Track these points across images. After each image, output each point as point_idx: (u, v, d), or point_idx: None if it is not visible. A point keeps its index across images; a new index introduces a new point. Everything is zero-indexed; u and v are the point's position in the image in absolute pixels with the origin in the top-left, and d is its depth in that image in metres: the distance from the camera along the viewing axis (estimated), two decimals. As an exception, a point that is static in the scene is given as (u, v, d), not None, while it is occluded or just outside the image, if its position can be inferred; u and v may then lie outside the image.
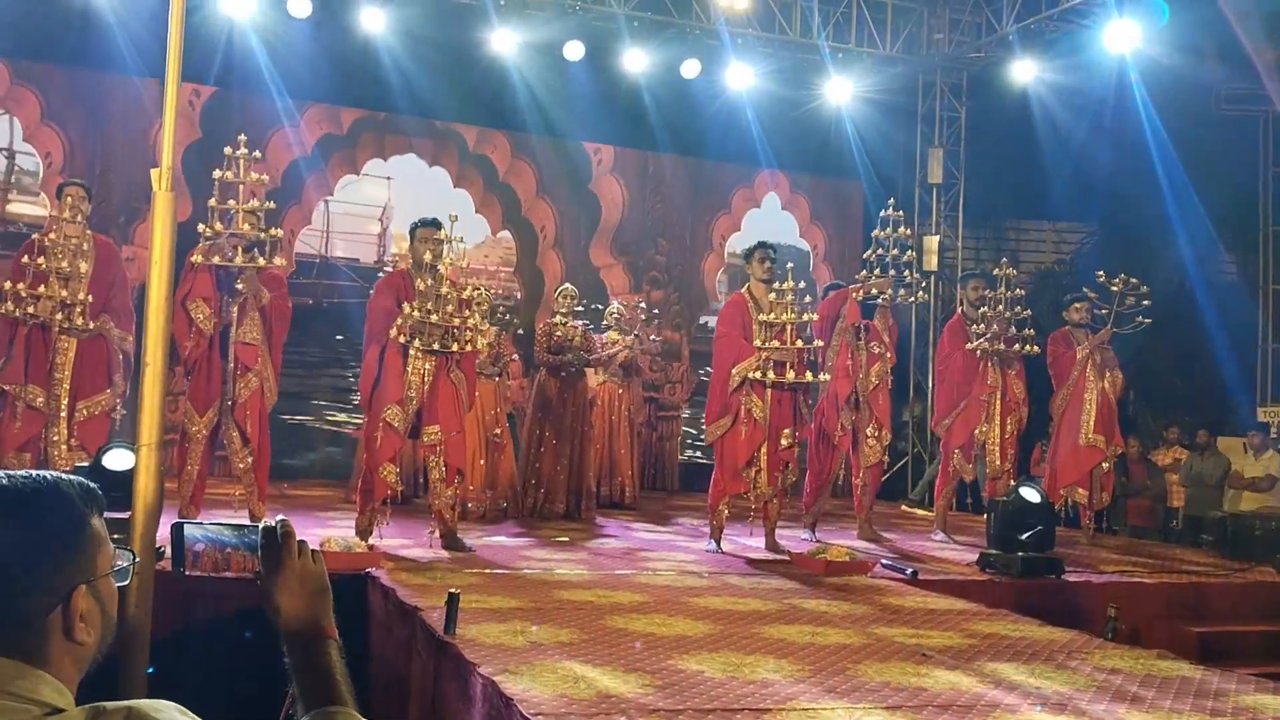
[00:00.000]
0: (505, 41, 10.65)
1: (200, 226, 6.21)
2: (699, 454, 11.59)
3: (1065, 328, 8.21)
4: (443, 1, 10.45)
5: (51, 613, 1.23)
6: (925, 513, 9.68)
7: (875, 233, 8.16)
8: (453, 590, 4.07)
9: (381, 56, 10.41)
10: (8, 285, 6.19)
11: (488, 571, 5.68)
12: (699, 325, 12.27)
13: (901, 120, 12.44)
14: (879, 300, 7.87)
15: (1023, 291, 8.12)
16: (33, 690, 1.20)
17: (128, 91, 9.98)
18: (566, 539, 7.21)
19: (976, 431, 7.99)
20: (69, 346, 6.28)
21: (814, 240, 13.03)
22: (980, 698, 3.57)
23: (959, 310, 8.47)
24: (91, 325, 6.29)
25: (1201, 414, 11.47)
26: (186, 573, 1.66)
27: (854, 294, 7.81)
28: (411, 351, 6.20)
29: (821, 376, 7.09)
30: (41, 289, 6.14)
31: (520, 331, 10.02)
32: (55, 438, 6.25)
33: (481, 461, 7.99)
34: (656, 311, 10.93)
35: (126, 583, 1.37)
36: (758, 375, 6.75)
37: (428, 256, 6.25)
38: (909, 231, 8.27)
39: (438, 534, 6.38)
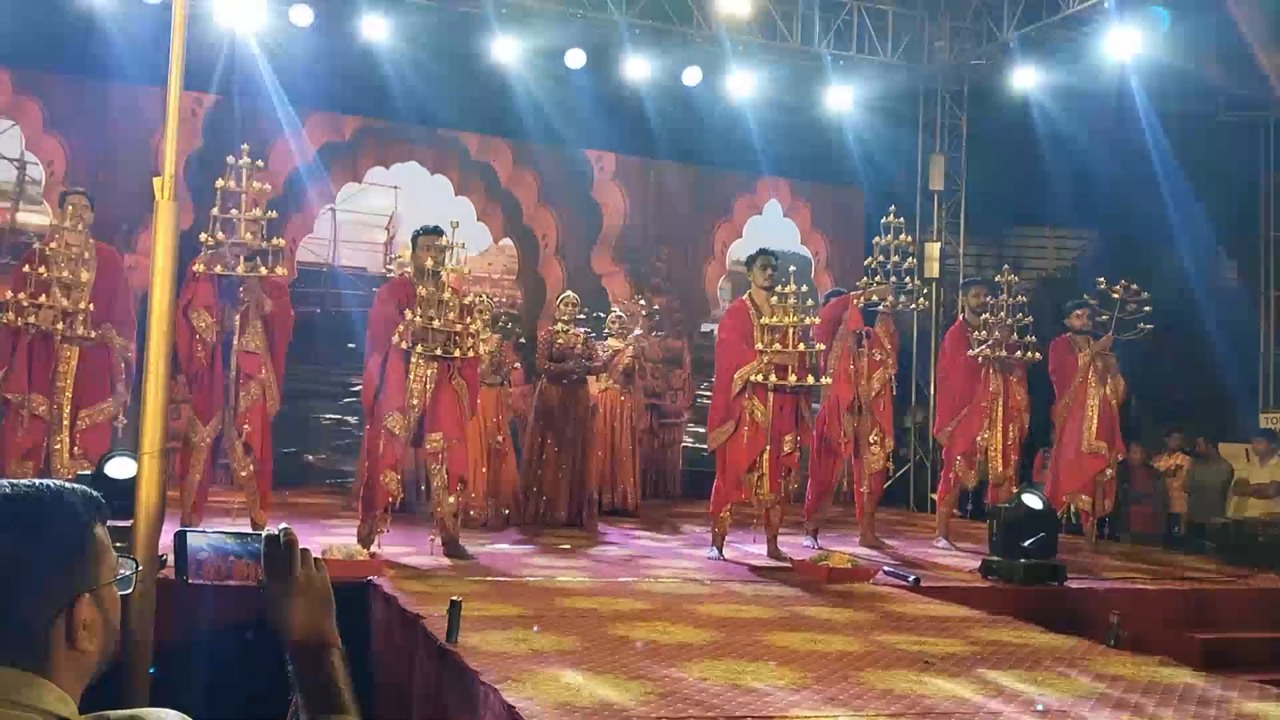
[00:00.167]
0: (507, 49, 10.67)
1: (202, 236, 6.22)
2: (702, 464, 11.59)
3: (1067, 334, 8.20)
4: (444, 9, 10.48)
5: (55, 621, 1.24)
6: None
7: (876, 240, 8.17)
8: (455, 598, 4.07)
9: (383, 64, 10.43)
10: (9, 295, 6.20)
11: (490, 579, 5.68)
12: (700, 333, 12.27)
13: (903, 127, 12.45)
14: (880, 307, 7.87)
15: (1024, 299, 8.12)
16: (36, 699, 1.21)
17: (130, 100, 9.99)
18: (568, 546, 7.21)
19: (978, 438, 7.98)
20: (71, 355, 6.28)
21: (816, 247, 13.03)
22: (983, 705, 3.57)
23: (960, 317, 8.47)
24: (93, 334, 6.29)
25: (1203, 420, 11.45)
26: (190, 581, 1.66)
27: (855, 300, 7.82)
28: (414, 359, 6.21)
29: (824, 380, 7.09)
30: (43, 298, 6.14)
31: (522, 340, 10.02)
32: (58, 446, 6.24)
33: (484, 469, 7.99)
34: (657, 308, 10.89)
35: (129, 591, 1.37)
36: (759, 378, 6.76)
37: (430, 263, 6.26)
38: (910, 238, 8.28)
39: (440, 542, 6.38)
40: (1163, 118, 11.09)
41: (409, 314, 6.13)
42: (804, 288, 7.12)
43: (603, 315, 10.50)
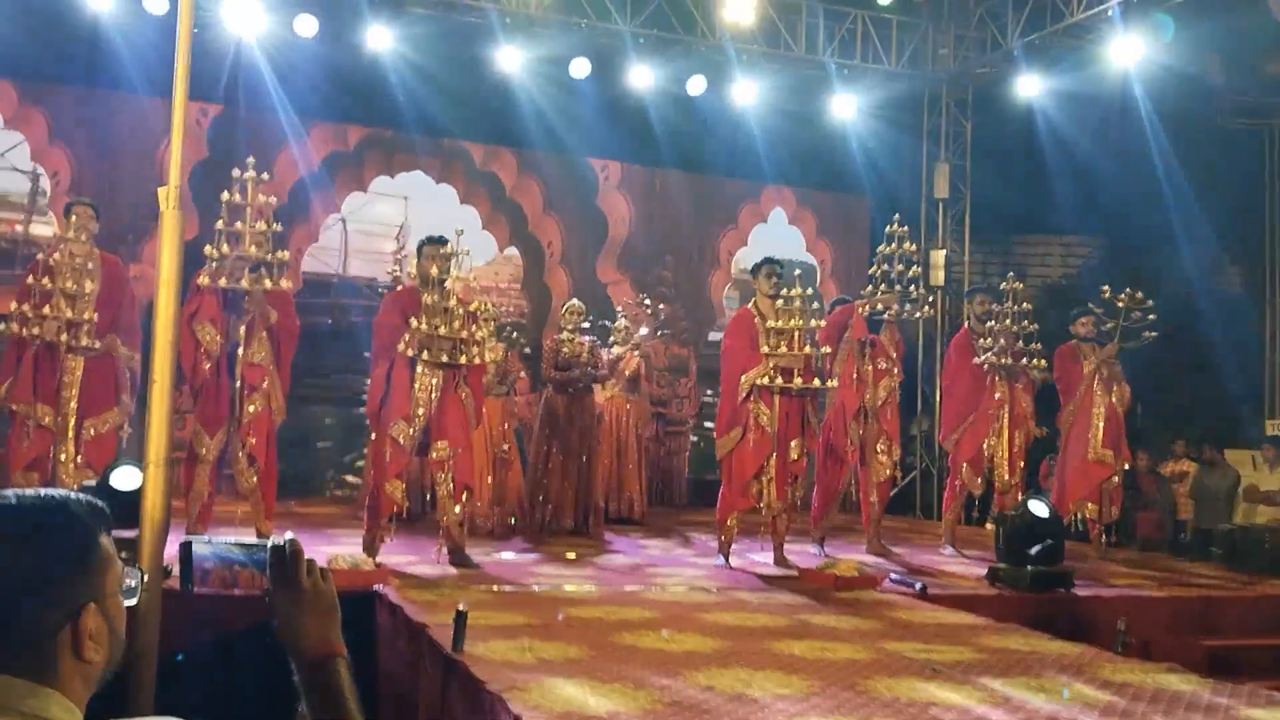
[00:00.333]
0: (511, 59, 10.70)
1: (207, 249, 6.22)
2: (708, 472, 11.58)
3: (1072, 342, 8.19)
4: (449, 19, 10.51)
5: (61, 631, 1.24)
6: None
7: (881, 249, 8.17)
8: (461, 607, 4.06)
9: (388, 74, 10.47)
10: (14, 306, 6.22)
11: (495, 588, 5.67)
12: (706, 341, 12.27)
13: (907, 135, 12.46)
14: (885, 316, 7.86)
15: (1029, 306, 8.11)
16: (42, 709, 1.21)
17: (135, 111, 10.03)
18: (574, 555, 7.20)
19: (984, 445, 7.97)
20: (76, 366, 6.29)
21: (821, 255, 13.04)
22: (990, 713, 3.55)
23: (966, 325, 8.46)
24: (98, 344, 6.30)
25: (1208, 426, 11.43)
26: (195, 590, 1.66)
27: (860, 309, 7.82)
28: (419, 367, 6.21)
29: (830, 383, 7.09)
30: (47, 309, 6.15)
31: (528, 350, 10.03)
32: (63, 457, 6.25)
33: (489, 478, 7.99)
34: (663, 306, 10.86)
35: (135, 601, 1.37)
36: (765, 381, 6.76)
37: (434, 271, 6.28)
38: (914, 247, 8.28)
39: (446, 550, 6.38)
40: (1167, 125, 11.09)
41: (414, 322, 6.14)
42: (809, 290, 7.13)
43: (608, 324, 10.51)
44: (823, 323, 7.15)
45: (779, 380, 6.77)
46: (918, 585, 6.16)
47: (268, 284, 6.26)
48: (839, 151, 12.18)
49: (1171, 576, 7.36)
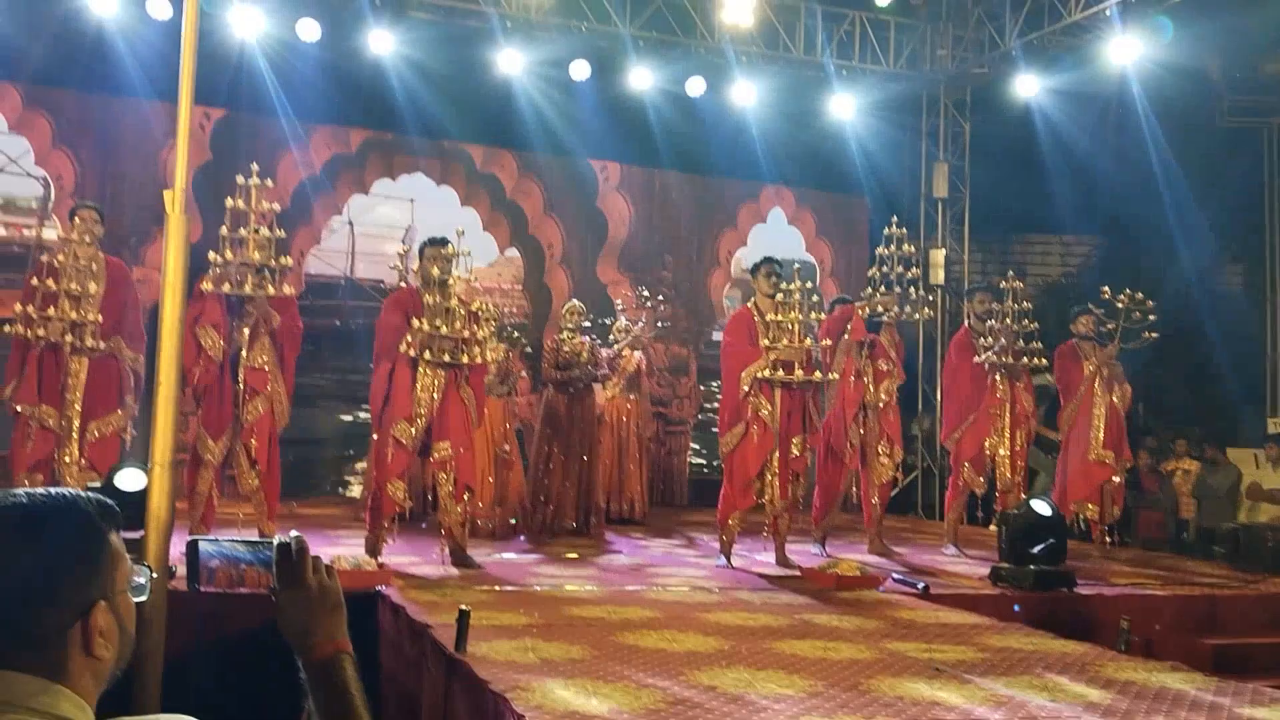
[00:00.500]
0: (512, 61, 10.72)
1: (211, 255, 6.23)
2: (708, 472, 11.59)
3: (1072, 340, 8.19)
4: (450, 23, 10.53)
5: (71, 629, 1.25)
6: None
7: (880, 250, 8.17)
8: (463, 607, 4.07)
9: (389, 78, 10.49)
10: (18, 307, 6.23)
11: (497, 588, 5.68)
12: (706, 341, 12.28)
13: (906, 135, 12.49)
14: (885, 318, 7.87)
15: (1029, 305, 8.12)
16: (53, 705, 1.22)
17: (138, 115, 10.05)
18: (575, 555, 7.21)
19: (986, 444, 7.98)
20: (80, 368, 6.29)
21: (820, 255, 13.05)
22: (993, 713, 3.56)
23: (966, 324, 8.47)
24: (102, 345, 6.31)
25: (1209, 425, 11.44)
26: (201, 589, 1.67)
27: (859, 311, 7.83)
28: (421, 368, 6.23)
29: (831, 375, 7.13)
30: (51, 310, 6.17)
31: (528, 349, 10.05)
32: (67, 459, 6.25)
33: (490, 478, 8.00)
34: (662, 298, 10.87)
35: (145, 599, 1.38)
36: (766, 374, 6.77)
37: (436, 272, 6.30)
38: (913, 249, 8.28)
39: (447, 551, 6.39)
40: (1166, 124, 11.10)
41: (416, 322, 6.16)
42: (809, 284, 7.15)
43: (608, 322, 10.52)
44: (823, 316, 7.17)
45: (780, 373, 6.79)
46: (920, 585, 6.17)
47: (270, 290, 6.27)
48: (838, 152, 12.20)
49: (1175, 575, 7.36)
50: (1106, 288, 7.96)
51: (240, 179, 6.37)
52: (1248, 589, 6.93)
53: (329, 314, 10.86)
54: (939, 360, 11.40)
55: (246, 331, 6.31)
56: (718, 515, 7.11)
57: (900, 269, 8.00)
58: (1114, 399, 8.02)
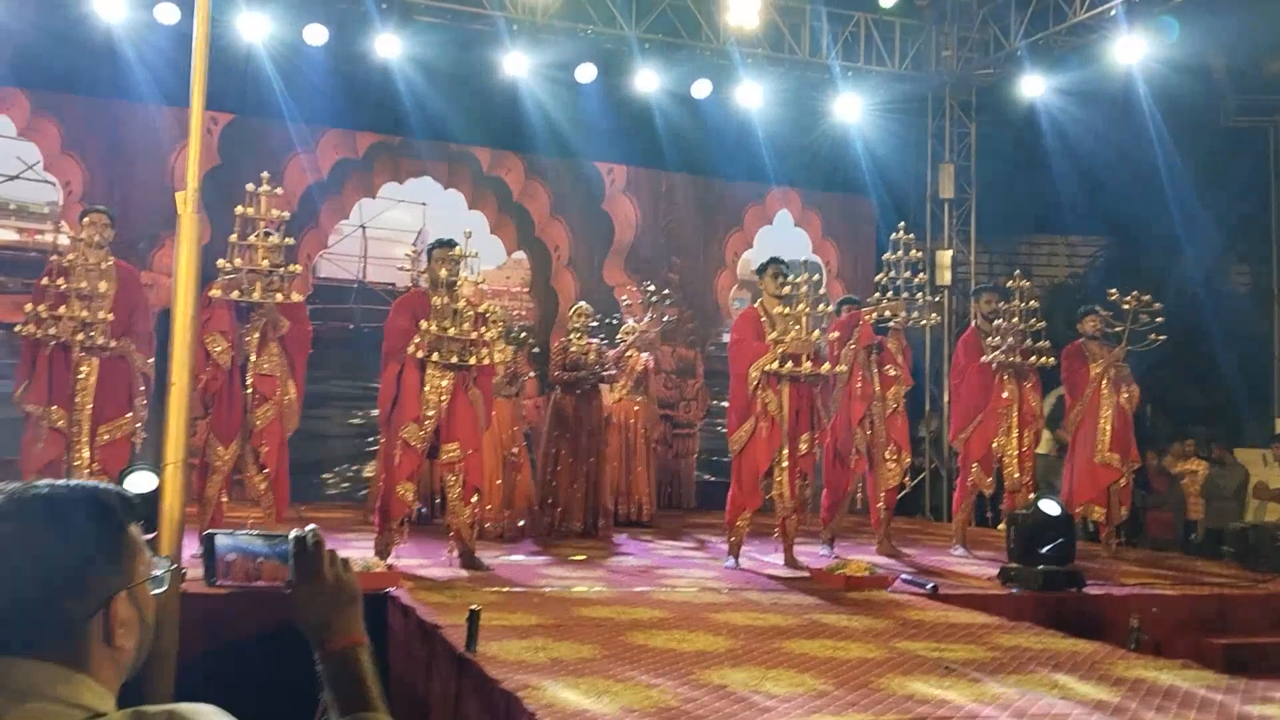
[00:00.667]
0: (518, 65, 10.74)
1: (220, 262, 6.25)
2: (716, 474, 11.58)
3: (1079, 341, 8.18)
4: (456, 27, 10.56)
5: (93, 619, 1.26)
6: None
7: (886, 256, 8.17)
8: (474, 607, 4.08)
9: (396, 81, 10.52)
10: (29, 307, 6.26)
11: (506, 590, 5.69)
12: (713, 343, 12.29)
13: (912, 136, 12.49)
14: (892, 323, 7.87)
15: (1036, 304, 8.11)
16: (75, 695, 1.23)
17: (146, 120, 10.08)
18: (584, 557, 7.22)
19: (994, 444, 7.97)
20: (90, 369, 6.32)
21: (827, 256, 13.04)
22: (1004, 710, 3.56)
23: (973, 324, 8.46)
24: (113, 344, 6.33)
25: (1216, 425, 11.41)
26: (218, 583, 1.68)
27: (866, 317, 7.83)
28: (429, 370, 6.24)
29: (839, 368, 7.15)
30: (62, 310, 6.20)
31: (536, 351, 10.07)
32: (77, 461, 6.28)
33: (499, 481, 8.01)
34: (667, 291, 10.88)
35: (164, 589, 1.39)
36: (774, 367, 6.78)
37: (443, 274, 6.31)
38: (920, 253, 8.28)
39: (456, 553, 6.40)
40: (1171, 123, 11.09)
41: (424, 324, 6.17)
42: (816, 276, 7.16)
43: (615, 321, 10.53)
44: (830, 309, 7.18)
45: (788, 365, 6.79)
46: (929, 585, 6.17)
47: (279, 297, 6.29)
48: (844, 153, 12.21)
49: (1184, 575, 7.34)
50: (1114, 290, 7.94)
51: (250, 186, 6.39)
52: (1257, 588, 6.92)
53: (340, 318, 10.87)
54: (946, 361, 11.39)
55: (255, 338, 6.33)
56: (726, 517, 7.12)
57: (907, 274, 8.00)
58: (1121, 400, 8.01)
